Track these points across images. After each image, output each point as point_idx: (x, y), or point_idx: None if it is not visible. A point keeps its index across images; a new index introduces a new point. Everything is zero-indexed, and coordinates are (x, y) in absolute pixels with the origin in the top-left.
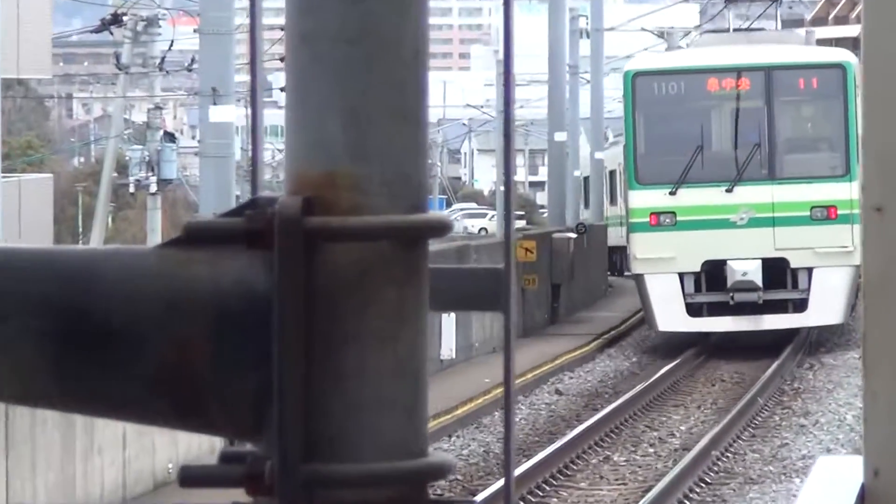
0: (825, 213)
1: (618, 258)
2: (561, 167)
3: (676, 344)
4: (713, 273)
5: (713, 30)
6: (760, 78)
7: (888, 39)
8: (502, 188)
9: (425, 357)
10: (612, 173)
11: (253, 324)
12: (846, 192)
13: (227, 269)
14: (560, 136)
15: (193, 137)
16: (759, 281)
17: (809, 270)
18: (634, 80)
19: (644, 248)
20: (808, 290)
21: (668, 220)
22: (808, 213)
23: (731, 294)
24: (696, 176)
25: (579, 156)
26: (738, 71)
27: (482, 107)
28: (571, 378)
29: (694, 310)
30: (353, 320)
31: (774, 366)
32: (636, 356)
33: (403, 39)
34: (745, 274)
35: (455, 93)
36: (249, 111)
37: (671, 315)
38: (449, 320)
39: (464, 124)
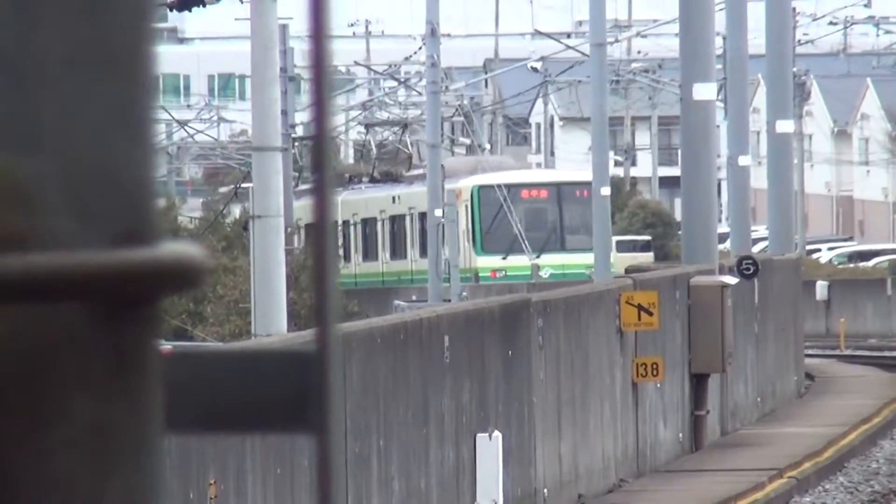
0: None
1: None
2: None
3: None
4: None
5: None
6: (554, 190)
7: None
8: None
9: None
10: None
11: None
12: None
13: None
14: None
15: None
16: None
17: None
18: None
19: None
20: None
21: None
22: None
23: None
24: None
25: (748, 124)
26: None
27: (569, 35)
28: None
29: None
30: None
31: None
32: None
33: None
34: None
35: (513, 10)
36: None
37: None
38: (490, 445)
39: (533, 69)
